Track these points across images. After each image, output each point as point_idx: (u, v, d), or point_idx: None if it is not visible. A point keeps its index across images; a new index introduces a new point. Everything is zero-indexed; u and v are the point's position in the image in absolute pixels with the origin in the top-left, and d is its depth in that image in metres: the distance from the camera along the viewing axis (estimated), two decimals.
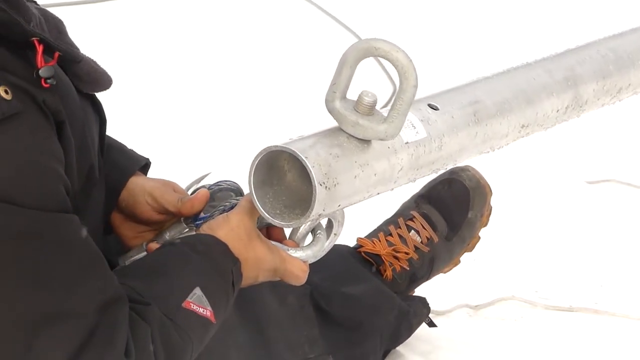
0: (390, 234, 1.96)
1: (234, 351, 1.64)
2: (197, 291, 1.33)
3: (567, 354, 2.02)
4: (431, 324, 1.97)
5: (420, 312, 1.94)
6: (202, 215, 1.49)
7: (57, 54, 1.25)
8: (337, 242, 1.97)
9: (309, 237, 1.51)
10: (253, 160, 1.32)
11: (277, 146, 1.30)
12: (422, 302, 1.95)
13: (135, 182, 1.54)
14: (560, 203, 2.59)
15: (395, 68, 1.30)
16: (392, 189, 1.43)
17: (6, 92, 1.16)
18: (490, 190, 2.01)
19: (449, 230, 1.98)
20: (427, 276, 1.99)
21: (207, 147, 2.70)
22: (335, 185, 1.30)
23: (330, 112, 1.34)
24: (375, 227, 2.01)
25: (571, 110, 1.67)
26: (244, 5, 3.61)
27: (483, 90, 1.54)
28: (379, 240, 1.95)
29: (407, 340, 1.96)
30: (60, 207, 1.20)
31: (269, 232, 1.49)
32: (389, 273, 1.93)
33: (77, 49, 1.33)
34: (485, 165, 2.14)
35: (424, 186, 2.04)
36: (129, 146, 1.62)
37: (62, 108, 1.24)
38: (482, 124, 1.50)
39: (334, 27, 3.49)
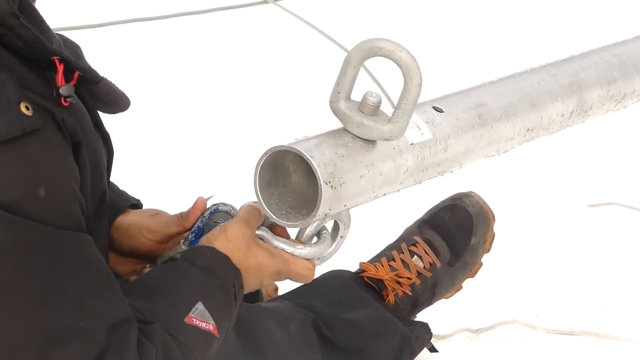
0: (393, 259, 1.96)
1: None
2: (200, 306, 1.33)
3: None
4: (432, 350, 1.97)
5: (422, 338, 1.94)
6: (197, 225, 1.50)
7: (77, 74, 1.26)
8: (339, 268, 1.99)
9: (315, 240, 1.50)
10: (258, 161, 1.32)
11: (282, 146, 1.30)
12: (424, 327, 1.96)
13: (129, 221, 1.55)
14: (562, 226, 2.59)
15: (400, 67, 1.30)
16: (398, 191, 1.43)
17: (27, 108, 1.17)
18: (494, 217, 2.01)
19: (452, 256, 1.98)
20: (429, 301, 1.99)
21: (203, 165, 2.71)
22: (341, 184, 1.31)
23: (334, 112, 1.34)
24: (377, 252, 2.01)
25: (576, 115, 1.68)
26: (226, 21, 3.63)
27: (488, 94, 1.55)
28: (382, 265, 1.95)
29: None
30: (75, 225, 1.21)
31: (273, 231, 1.48)
32: (391, 298, 1.93)
33: (96, 71, 1.34)
34: (486, 188, 2.16)
35: (427, 212, 2.04)
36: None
37: (79, 129, 1.26)
38: (487, 127, 1.51)
39: (322, 41, 3.51)
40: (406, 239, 2.00)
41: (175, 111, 3.05)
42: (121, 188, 1.63)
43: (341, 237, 1.48)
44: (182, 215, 1.53)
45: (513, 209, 2.58)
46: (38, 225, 1.16)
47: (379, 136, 1.34)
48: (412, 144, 1.40)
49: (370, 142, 1.36)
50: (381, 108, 1.35)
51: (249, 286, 1.42)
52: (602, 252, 2.47)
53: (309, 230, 1.46)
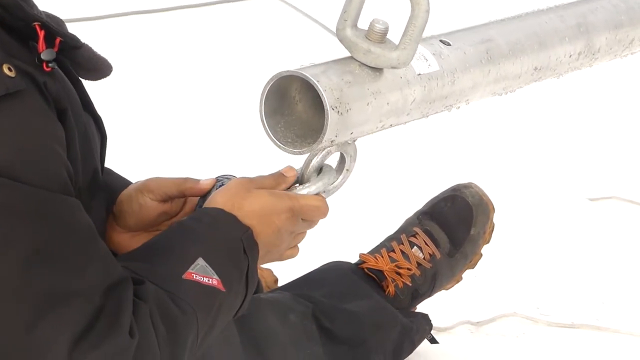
0: (393, 250, 1.96)
1: None
2: (200, 261, 1.31)
3: None
4: (433, 341, 1.96)
5: (422, 329, 1.94)
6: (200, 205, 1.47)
7: (58, 40, 1.26)
8: (338, 259, 1.99)
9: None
10: (264, 88, 1.31)
11: (288, 71, 1.29)
12: (425, 318, 1.95)
13: (127, 191, 1.53)
14: (562, 220, 2.59)
15: None
16: (405, 123, 1.42)
17: (9, 69, 1.17)
18: (493, 208, 2.01)
19: (452, 246, 1.98)
20: (429, 293, 1.98)
21: (204, 160, 2.71)
22: (347, 110, 1.30)
23: (341, 40, 1.33)
24: (377, 243, 2.01)
25: (584, 57, 1.67)
26: (228, 14, 3.63)
27: (496, 30, 1.54)
28: (382, 256, 1.95)
29: (409, 357, 1.96)
30: (62, 189, 1.20)
31: None
32: (391, 289, 1.93)
33: (77, 37, 1.33)
34: (487, 181, 2.15)
35: (427, 203, 2.04)
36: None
37: (64, 95, 1.25)
38: (494, 63, 1.50)
39: (324, 35, 3.50)
40: (406, 230, 2.00)
41: (175, 105, 3.05)
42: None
43: (347, 170, 1.46)
44: (185, 182, 1.50)
45: (514, 202, 2.58)
46: (22, 186, 1.15)
47: (386, 64, 1.33)
48: (419, 74, 1.39)
49: (377, 70, 1.35)
50: (388, 36, 1.34)
51: (263, 233, 1.38)
52: (603, 245, 2.47)
53: (314, 161, 1.42)
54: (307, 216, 1.43)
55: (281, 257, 1.46)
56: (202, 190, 1.48)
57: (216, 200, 1.39)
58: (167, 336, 1.25)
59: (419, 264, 1.95)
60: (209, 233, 1.35)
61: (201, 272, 1.31)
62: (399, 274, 1.94)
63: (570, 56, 1.65)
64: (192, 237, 1.35)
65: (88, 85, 1.40)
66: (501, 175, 2.76)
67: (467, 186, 2.01)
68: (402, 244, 1.97)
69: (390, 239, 2.00)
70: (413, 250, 1.96)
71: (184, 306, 1.27)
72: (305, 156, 1.42)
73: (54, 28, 1.25)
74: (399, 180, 2.68)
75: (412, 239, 1.97)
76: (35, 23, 1.24)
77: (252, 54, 3.36)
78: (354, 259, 1.98)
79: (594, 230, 2.55)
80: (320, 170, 1.44)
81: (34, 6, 1.29)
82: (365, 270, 1.94)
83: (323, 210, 1.43)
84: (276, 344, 1.72)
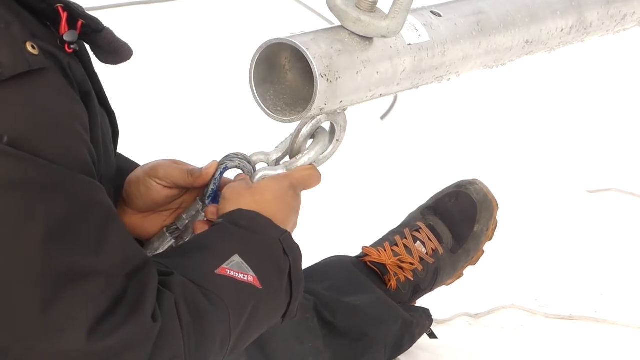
0: (396, 244, 1.96)
1: None
2: (236, 258, 1.30)
3: None
4: (432, 336, 1.97)
5: (423, 323, 1.95)
6: (211, 188, 1.48)
7: (80, 23, 1.26)
8: (340, 253, 1.99)
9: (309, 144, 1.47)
10: (253, 56, 1.32)
11: (277, 39, 1.30)
12: (426, 313, 1.96)
13: (136, 173, 1.52)
14: (561, 212, 2.60)
15: None
16: (395, 93, 1.43)
17: (33, 47, 1.17)
18: (497, 205, 2.01)
19: (455, 242, 1.98)
20: (430, 287, 1.99)
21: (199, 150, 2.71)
22: (337, 79, 1.31)
23: (331, 9, 1.34)
24: (379, 236, 2.01)
25: (575, 31, 1.68)
26: (236, 9, 3.62)
27: (487, 3, 1.55)
28: (385, 250, 1.95)
29: (408, 350, 1.97)
30: (84, 169, 1.19)
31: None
32: (393, 283, 1.93)
33: (98, 19, 1.33)
34: (487, 174, 2.16)
35: (431, 198, 2.04)
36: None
37: (87, 79, 1.25)
38: (485, 34, 1.51)
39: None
40: (410, 225, 2.00)
41: (177, 96, 3.04)
42: None
43: (337, 140, 1.46)
44: (191, 173, 1.49)
45: (513, 194, 2.59)
46: (46, 163, 1.14)
47: (376, 32, 1.33)
48: (409, 44, 1.40)
49: (367, 39, 1.35)
50: (378, 6, 1.35)
51: (285, 218, 1.38)
52: (602, 237, 2.48)
53: (304, 130, 1.42)
54: (304, 186, 1.43)
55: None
56: (208, 177, 1.48)
57: (229, 209, 1.39)
58: (193, 326, 1.24)
59: (421, 259, 1.95)
60: (245, 233, 1.35)
61: (236, 268, 1.30)
62: (401, 268, 1.94)
63: (562, 30, 1.65)
64: (228, 235, 1.34)
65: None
66: (500, 168, 2.76)
67: (472, 182, 2.01)
68: (406, 238, 1.97)
69: (393, 232, 2.00)
70: (416, 245, 1.96)
71: (214, 299, 1.26)
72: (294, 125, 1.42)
73: (76, 10, 1.26)
74: (400, 173, 2.68)
75: (416, 234, 1.97)
76: (58, 5, 1.24)
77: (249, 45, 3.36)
78: (355, 252, 1.99)
79: (593, 223, 2.55)
80: (312, 138, 1.44)
81: None
82: (368, 263, 1.95)
83: (316, 176, 1.44)
84: (278, 338, 1.72)
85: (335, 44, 1.32)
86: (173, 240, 1.50)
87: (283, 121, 1.35)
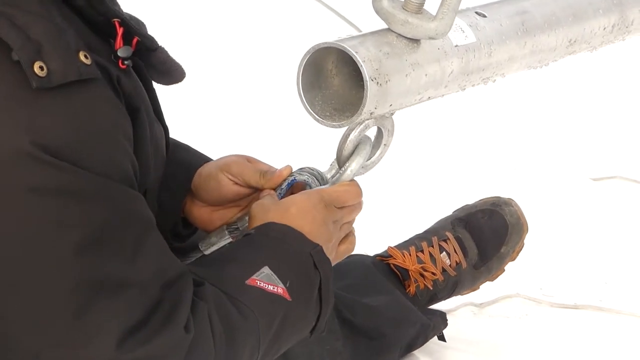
0: (422, 251, 1.95)
1: None
2: (266, 270, 1.30)
3: (571, 351, 2.03)
4: (441, 338, 1.97)
5: (438, 327, 1.95)
6: (279, 193, 1.47)
7: (135, 40, 1.26)
8: (362, 252, 1.98)
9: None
10: (301, 61, 1.31)
11: (326, 43, 1.29)
12: (442, 316, 1.96)
13: (208, 167, 1.53)
14: (565, 200, 2.59)
15: None
16: (443, 95, 1.42)
17: (86, 57, 1.16)
18: (527, 228, 2.00)
19: (479, 259, 1.97)
20: (446, 297, 1.99)
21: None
22: (386, 82, 1.30)
23: (377, 12, 1.33)
24: (404, 237, 2.00)
25: (617, 29, 1.67)
26: (250, 5, 3.61)
27: (530, 2, 1.55)
28: (409, 255, 1.94)
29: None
30: (124, 181, 1.19)
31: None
32: (412, 289, 1.92)
33: (154, 38, 1.33)
34: (492, 162, 2.16)
35: (464, 209, 2.03)
36: None
37: (137, 94, 1.25)
38: (530, 35, 1.50)
39: (344, 27, 3.49)
40: (438, 233, 1.98)
41: (210, 89, 3.04)
42: None
43: (385, 144, 1.45)
44: (264, 175, 1.49)
45: (517, 182, 2.58)
46: (85, 172, 1.14)
47: (424, 34, 1.33)
48: (456, 46, 1.39)
49: (415, 41, 1.35)
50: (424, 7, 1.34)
51: (312, 232, 1.37)
52: (606, 226, 2.48)
53: (352, 136, 1.40)
54: (339, 202, 1.42)
55: (337, 255, 1.45)
56: (280, 179, 1.48)
57: (256, 224, 1.38)
58: (224, 337, 1.24)
59: (443, 270, 1.94)
60: (276, 245, 1.34)
61: (266, 280, 1.30)
62: (422, 275, 1.93)
63: (605, 29, 1.64)
64: (259, 247, 1.34)
65: None
66: (504, 156, 2.76)
67: (508, 203, 2.00)
68: (432, 246, 1.96)
69: (420, 238, 1.98)
70: (442, 255, 1.95)
71: (244, 310, 1.27)
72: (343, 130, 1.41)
73: (133, 27, 1.26)
74: (413, 168, 2.67)
75: (443, 244, 1.96)
76: (115, 20, 1.24)
77: (271, 49, 3.35)
78: (375, 251, 1.98)
79: (597, 211, 2.55)
80: (357, 145, 1.43)
81: (116, 3, 1.29)
82: (391, 266, 1.94)
83: (353, 191, 1.43)
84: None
85: (383, 46, 1.32)
86: (230, 239, 1.50)
87: (333, 126, 1.35)
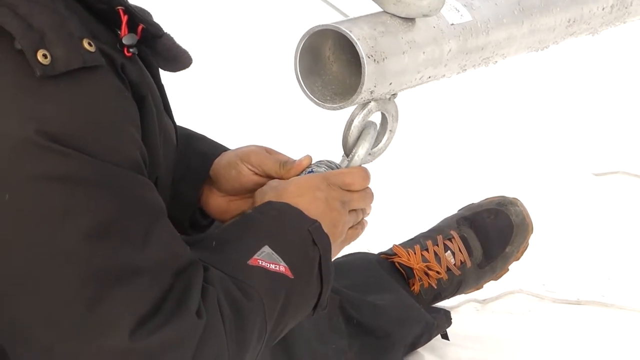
0: (427, 249, 1.95)
1: None
2: (266, 249, 1.30)
3: (574, 347, 2.03)
4: (445, 337, 1.97)
5: (442, 325, 1.95)
6: None
7: (140, 27, 1.25)
8: (365, 250, 1.97)
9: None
10: (297, 46, 1.31)
11: (320, 26, 1.30)
12: (446, 315, 1.96)
13: (228, 156, 1.53)
14: (567, 195, 2.59)
15: None
16: (445, 76, 1.42)
17: (90, 44, 1.16)
18: (532, 229, 2.00)
19: (484, 259, 1.97)
20: (450, 296, 1.99)
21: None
22: (383, 59, 1.30)
23: None
24: (409, 235, 2.00)
25: (617, 10, 1.67)
26: (256, 6, 3.62)
27: None
28: (414, 253, 1.94)
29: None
30: (135, 168, 1.18)
31: None
32: (416, 288, 1.92)
33: (159, 25, 1.33)
34: (495, 159, 2.16)
35: (469, 207, 2.03)
36: None
37: (143, 82, 1.24)
38: (527, 14, 1.50)
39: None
40: (443, 232, 1.98)
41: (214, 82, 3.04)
42: None
43: (390, 130, 1.45)
44: (284, 165, 1.49)
45: (520, 178, 2.59)
46: (88, 158, 1.13)
47: (418, 12, 1.33)
48: (452, 24, 1.40)
49: (410, 20, 1.35)
50: None
51: (315, 212, 1.38)
52: (608, 221, 2.48)
53: (355, 122, 1.40)
54: (344, 183, 1.42)
55: (346, 239, 1.44)
56: (300, 169, 1.48)
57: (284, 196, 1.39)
58: (233, 320, 1.23)
59: (448, 269, 1.94)
60: (274, 223, 1.35)
61: (267, 259, 1.30)
62: (427, 274, 1.93)
63: (603, 9, 1.64)
64: (258, 226, 1.34)
65: None
66: (507, 152, 2.76)
67: (513, 203, 2.00)
68: (437, 245, 1.96)
69: (425, 237, 1.98)
70: (446, 254, 1.95)
71: (249, 291, 1.26)
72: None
73: (137, 14, 1.25)
74: (417, 169, 2.67)
75: (448, 243, 1.96)
76: (119, 7, 1.24)
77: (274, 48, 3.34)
78: (379, 249, 1.98)
79: (600, 206, 2.55)
80: (363, 131, 1.43)
81: None
82: (396, 264, 1.94)
83: (357, 173, 1.43)
84: (301, 338, 1.70)
85: (377, 26, 1.32)
86: None
87: (334, 108, 1.34)
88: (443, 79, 1.43)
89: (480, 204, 2.01)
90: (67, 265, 1.12)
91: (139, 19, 1.25)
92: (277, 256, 1.31)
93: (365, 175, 1.44)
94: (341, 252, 1.47)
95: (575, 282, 2.24)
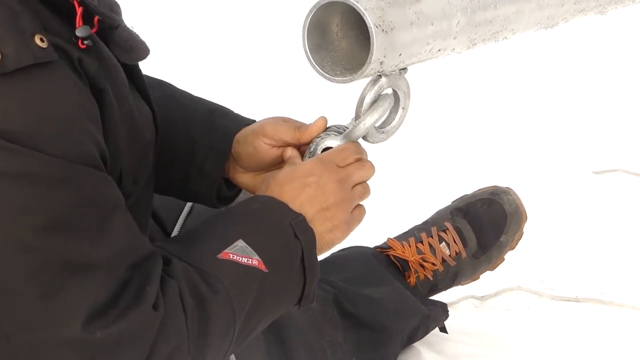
0: (421, 241, 1.95)
1: None
2: (240, 243, 1.30)
3: (573, 344, 2.03)
4: (443, 330, 1.97)
5: (439, 318, 1.95)
6: (307, 157, 1.46)
7: (96, 19, 1.24)
8: (361, 244, 1.97)
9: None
10: (304, 21, 1.31)
11: None
12: (443, 307, 1.96)
13: (244, 133, 1.53)
14: (567, 193, 2.59)
15: None
16: (455, 50, 1.41)
17: (42, 40, 1.15)
18: (526, 217, 2.00)
19: (479, 249, 1.98)
20: (446, 288, 1.99)
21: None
22: (392, 29, 1.29)
23: None
24: (403, 229, 2.00)
25: None
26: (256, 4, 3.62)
27: None
28: (409, 246, 1.94)
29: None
30: (91, 164, 1.18)
31: None
32: (412, 280, 1.92)
33: (118, 16, 1.32)
34: (493, 156, 2.16)
35: (463, 199, 2.03)
36: None
37: (102, 74, 1.23)
38: None
39: None
40: (437, 224, 1.98)
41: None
42: None
43: (403, 108, 1.44)
44: (298, 128, 1.48)
45: (519, 175, 2.58)
46: (45, 156, 1.13)
47: None
48: None
49: None
50: None
51: (298, 201, 1.36)
52: (607, 219, 2.48)
53: (367, 98, 1.39)
54: (338, 159, 1.40)
55: (352, 219, 1.42)
56: (316, 131, 1.46)
57: (270, 188, 1.38)
58: (197, 313, 1.23)
59: (443, 260, 1.94)
60: (253, 217, 1.34)
61: (239, 253, 1.29)
62: (422, 266, 1.93)
63: None
64: (235, 220, 1.34)
65: None
66: (506, 149, 2.76)
67: (506, 192, 2.00)
68: (432, 237, 1.96)
69: (420, 229, 1.98)
70: (441, 245, 1.95)
71: (215, 284, 1.26)
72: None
73: (91, 6, 1.24)
74: (413, 161, 2.68)
75: (442, 234, 1.96)
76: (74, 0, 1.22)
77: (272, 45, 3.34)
78: (374, 242, 1.98)
79: (599, 204, 2.55)
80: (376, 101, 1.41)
81: None
82: (391, 257, 1.94)
83: (350, 147, 1.41)
84: (296, 330, 1.71)
85: None
86: None
87: (344, 81, 1.33)
88: (453, 53, 1.42)
89: (473, 195, 2.02)
90: (22, 258, 1.13)
91: (94, 11, 1.24)
92: (251, 250, 1.30)
93: (358, 148, 1.42)
94: (339, 244, 1.45)
95: (574, 279, 2.24)
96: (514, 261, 2.28)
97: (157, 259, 1.24)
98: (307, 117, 1.51)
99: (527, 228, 2.38)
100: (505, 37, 1.49)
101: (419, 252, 1.93)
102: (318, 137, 1.46)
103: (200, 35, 3.31)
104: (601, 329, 2.08)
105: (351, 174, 1.41)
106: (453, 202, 2.03)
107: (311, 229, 1.36)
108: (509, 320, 2.11)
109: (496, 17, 1.45)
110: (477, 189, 2.03)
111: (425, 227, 1.99)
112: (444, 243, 1.96)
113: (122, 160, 1.28)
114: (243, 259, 1.29)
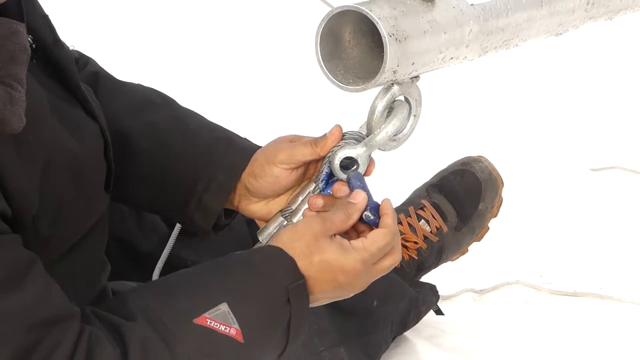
0: (400, 223, 1.95)
1: None
2: (223, 307, 1.23)
3: (571, 338, 2.02)
4: (439, 312, 1.96)
5: (429, 300, 1.93)
6: (325, 171, 1.43)
7: None
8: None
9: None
10: (317, 30, 1.31)
11: (340, 7, 1.29)
12: (432, 289, 1.94)
13: (259, 166, 1.47)
14: (565, 190, 2.59)
15: None
16: (466, 58, 1.41)
17: None
18: (502, 182, 2.00)
19: (459, 220, 1.97)
20: (434, 265, 1.98)
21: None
22: (405, 38, 1.29)
23: None
24: None
25: None
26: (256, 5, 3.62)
27: None
28: None
29: (413, 326, 1.97)
30: None
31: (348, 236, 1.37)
32: None
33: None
34: (492, 152, 2.15)
35: (436, 175, 2.03)
36: None
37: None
38: None
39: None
40: (414, 202, 1.98)
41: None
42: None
43: (415, 115, 1.43)
44: (315, 144, 1.44)
45: (517, 172, 2.58)
46: None
47: None
48: (472, 5, 1.40)
49: (429, 0, 1.35)
50: None
51: (316, 290, 1.31)
52: (605, 215, 2.48)
53: (379, 107, 1.38)
54: (380, 256, 1.36)
55: (377, 271, 1.39)
56: (334, 141, 1.43)
57: (282, 240, 1.32)
58: None
59: (425, 238, 1.94)
60: (248, 277, 1.27)
61: (219, 319, 1.22)
62: (405, 247, 1.93)
63: None
64: (226, 278, 1.27)
65: None
66: (504, 145, 2.76)
67: (477, 160, 2.00)
68: (410, 216, 1.96)
69: (398, 210, 1.98)
70: (420, 223, 1.95)
71: (179, 352, 1.19)
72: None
73: None
74: (404, 149, 2.67)
75: (420, 212, 1.96)
76: None
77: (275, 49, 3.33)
78: None
79: (597, 200, 2.55)
80: (389, 114, 1.41)
81: None
82: None
83: (390, 243, 1.36)
84: None
85: (397, 6, 1.31)
86: (286, 223, 1.46)
87: (357, 90, 1.32)
88: (465, 61, 1.43)
89: (446, 169, 2.02)
90: None
91: None
92: (233, 317, 1.23)
93: (394, 237, 1.36)
94: None
95: (573, 274, 2.24)
96: (513, 255, 2.28)
97: (74, 321, 1.16)
98: (314, 122, 1.50)
99: (525, 223, 2.39)
100: (516, 45, 1.50)
101: (400, 233, 1.93)
102: (336, 146, 1.44)
103: (212, 43, 3.31)
104: (599, 323, 2.08)
105: (384, 265, 1.38)
106: (429, 180, 2.03)
107: (307, 295, 1.31)
108: (508, 315, 2.11)
109: (508, 25, 1.45)
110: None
111: (403, 207, 1.99)
112: (423, 220, 1.96)
113: (34, 205, 1.19)
114: (221, 326, 1.22)
